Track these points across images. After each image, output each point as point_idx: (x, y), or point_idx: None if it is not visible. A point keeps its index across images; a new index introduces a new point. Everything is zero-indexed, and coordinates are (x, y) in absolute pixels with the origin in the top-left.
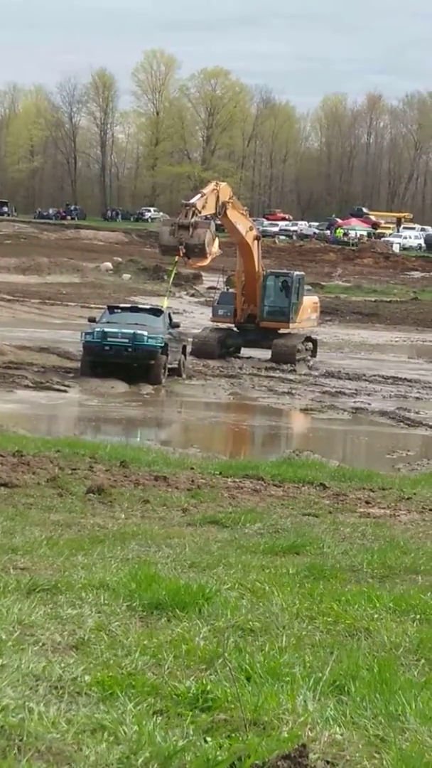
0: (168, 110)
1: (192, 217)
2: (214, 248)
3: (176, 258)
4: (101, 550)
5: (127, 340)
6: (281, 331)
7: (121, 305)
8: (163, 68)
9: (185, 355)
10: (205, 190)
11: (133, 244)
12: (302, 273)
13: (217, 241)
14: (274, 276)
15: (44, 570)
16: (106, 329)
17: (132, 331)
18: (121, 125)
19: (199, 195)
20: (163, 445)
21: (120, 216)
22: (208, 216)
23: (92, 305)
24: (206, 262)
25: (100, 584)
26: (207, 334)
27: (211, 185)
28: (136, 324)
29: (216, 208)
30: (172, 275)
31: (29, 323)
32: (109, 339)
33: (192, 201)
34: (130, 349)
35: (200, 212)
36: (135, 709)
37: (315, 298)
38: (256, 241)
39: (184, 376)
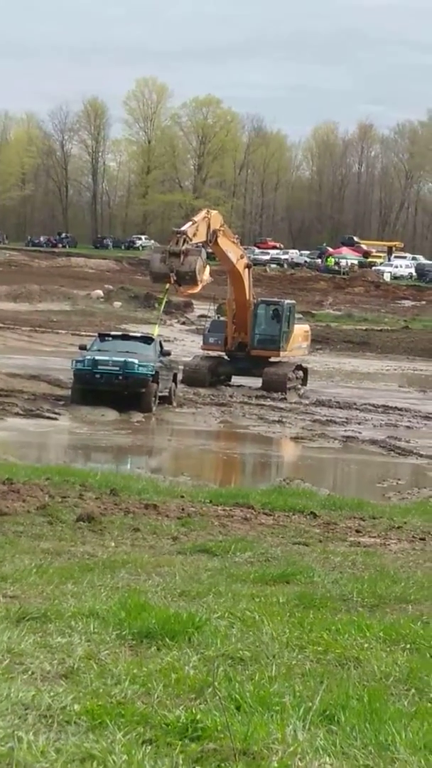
0: (159, 138)
1: (183, 244)
2: (205, 276)
3: (167, 285)
4: (91, 578)
5: (117, 368)
6: (272, 359)
7: (112, 333)
8: (155, 96)
9: (176, 383)
10: (196, 218)
11: (124, 272)
12: (293, 301)
13: (208, 268)
14: (265, 304)
15: (34, 598)
16: (96, 357)
17: (123, 359)
18: (112, 153)
19: (190, 223)
20: (154, 473)
21: (111, 244)
22: (199, 244)
23: (83, 333)
24: (197, 290)
25: (90, 613)
26: (198, 362)
27: (203, 213)
28: (127, 352)
29: (207, 236)
30: (163, 303)
31: (19, 351)
32: (99, 367)
33: (183, 228)
34: (120, 377)
35: (191, 240)
36: (124, 738)
37: (306, 327)
38: (246, 270)
39: (174, 404)
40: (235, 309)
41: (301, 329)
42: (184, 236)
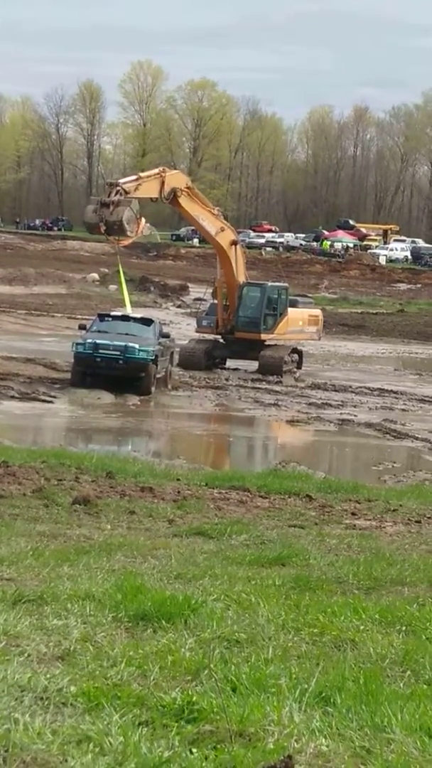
0: (155, 121)
1: (115, 195)
2: (140, 227)
3: (113, 250)
4: (87, 560)
5: (118, 353)
6: (268, 342)
7: (112, 313)
8: (150, 80)
9: (172, 364)
10: (143, 173)
11: (120, 254)
12: (283, 284)
13: (143, 221)
14: (250, 286)
15: (30, 581)
16: (98, 341)
17: (124, 344)
18: (108, 136)
19: (134, 177)
20: (149, 456)
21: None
22: (156, 198)
23: (79, 316)
24: (128, 241)
25: (86, 595)
26: (193, 346)
27: (156, 170)
28: (127, 334)
29: (160, 193)
30: (122, 277)
31: (15, 334)
32: (100, 351)
33: (120, 180)
34: (121, 362)
35: (127, 192)
36: (120, 720)
37: (314, 311)
38: (233, 247)
39: (169, 386)
40: (226, 291)
41: (304, 313)
42: (118, 188)
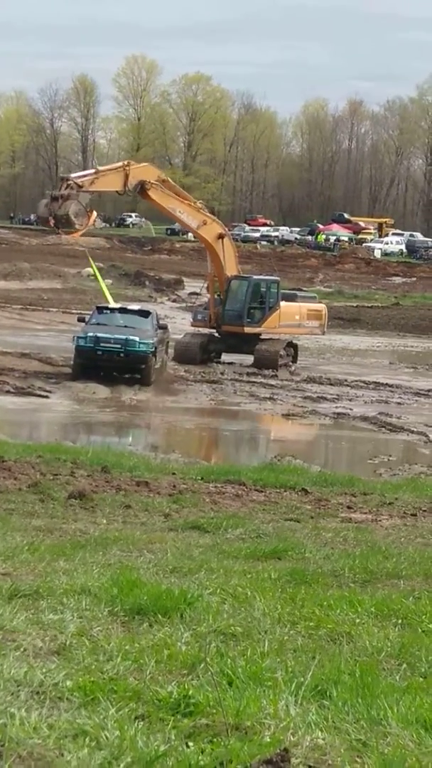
0: (149, 116)
1: (65, 189)
2: (91, 220)
3: (71, 240)
4: (83, 555)
5: (119, 346)
6: (263, 336)
7: (110, 306)
8: (145, 74)
9: (167, 353)
10: (102, 167)
11: (115, 249)
12: (275, 278)
13: (94, 214)
14: (236, 280)
15: (26, 575)
16: (99, 334)
17: (125, 337)
18: (102, 131)
19: (92, 171)
20: (145, 450)
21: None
22: (123, 191)
23: (74, 311)
24: (77, 234)
25: (82, 589)
26: (189, 340)
27: (119, 163)
28: (126, 327)
29: (125, 186)
30: (96, 271)
31: (10, 329)
32: (102, 344)
33: (71, 175)
34: (122, 354)
35: (81, 186)
36: (117, 714)
37: (317, 306)
38: (220, 240)
39: (163, 374)
40: (218, 284)
41: (301, 307)
42: (68, 182)
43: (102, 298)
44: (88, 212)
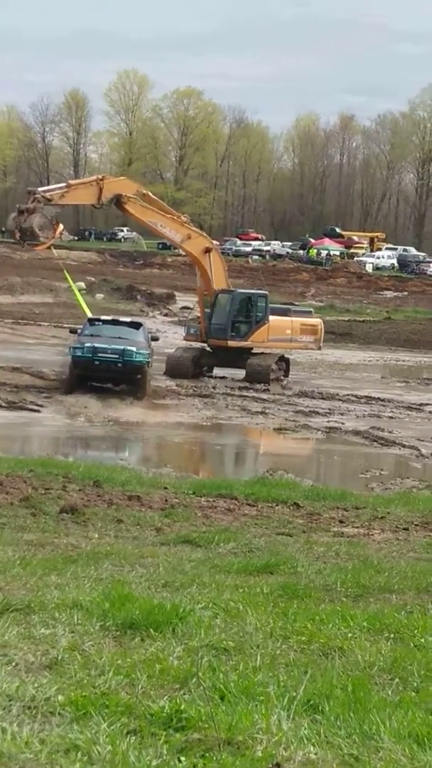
0: (141, 130)
1: (31, 203)
2: (57, 233)
3: (26, 247)
4: (75, 569)
5: (117, 356)
6: (255, 350)
7: (102, 318)
8: (136, 88)
9: (150, 365)
10: (74, 181)
11: (107, 263)
12: (263, 291)
13: (61, 227)
14: (222, 294)
15: (17, 590)
16: (96, 345)
17: (122, 347)
18: (94, 145)
19: (63, 185)
20: (137, 464)
21: (93, 236)
22: (98, 205)
23: (65, 325)
24: (42, 247)
25: (74, 604)
26: (180, 354)
27: (93, 177)
28: (119, 338)
29: (99, 199)
30: (72, 284)
31: (2, 343)
32: (99, 354)
33: (38, 189)
34: (119, 365)
35: (50, 200)
36: (109, 728)
37: (312, 320)
38: (207, 254)
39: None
40: (208, 298)
41: (294, 321)
42: (35, 195)
43: (79, 310)
44: (54, 225)
